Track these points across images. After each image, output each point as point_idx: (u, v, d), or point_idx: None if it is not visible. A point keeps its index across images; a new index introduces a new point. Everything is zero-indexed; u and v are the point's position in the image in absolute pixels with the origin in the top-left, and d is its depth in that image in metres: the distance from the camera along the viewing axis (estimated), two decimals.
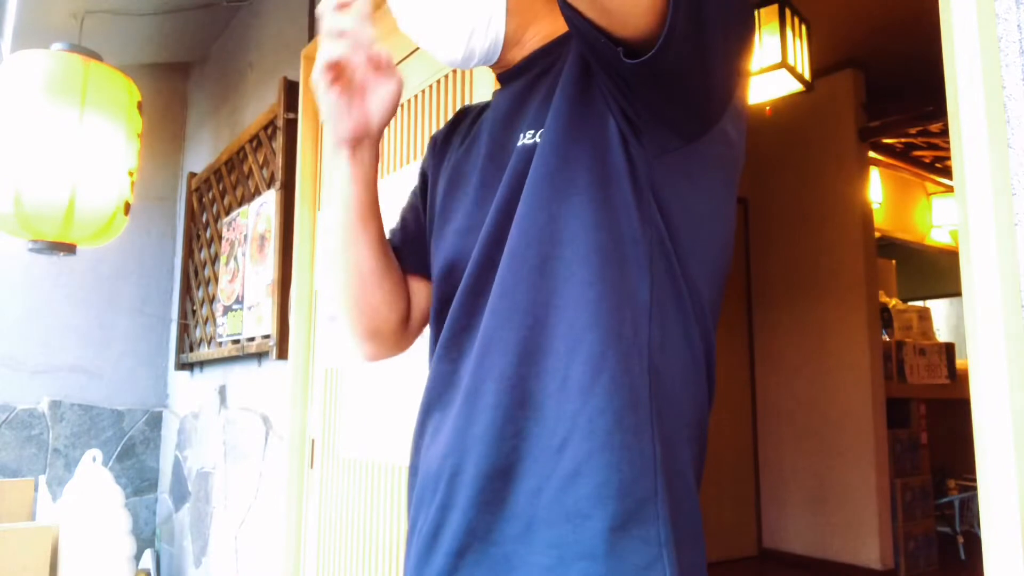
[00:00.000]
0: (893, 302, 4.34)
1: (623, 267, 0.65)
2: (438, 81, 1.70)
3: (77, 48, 2.26)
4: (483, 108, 0.92)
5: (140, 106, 2.40)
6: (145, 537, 3.34)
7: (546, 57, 0.80)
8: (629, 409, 0.62)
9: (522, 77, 0.81)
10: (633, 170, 0.66)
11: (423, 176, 0.96)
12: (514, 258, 0.68)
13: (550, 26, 0.81)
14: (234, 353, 2.61)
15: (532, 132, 0.72)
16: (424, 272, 0.89)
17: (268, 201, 2.44)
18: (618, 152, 0.66)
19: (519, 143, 0.73)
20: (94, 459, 2.87)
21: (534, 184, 0.69)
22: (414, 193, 0.97)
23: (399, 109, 1.85)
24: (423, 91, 1.76)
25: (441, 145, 0.93)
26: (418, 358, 1.01)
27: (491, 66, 0.85)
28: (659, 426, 0.63)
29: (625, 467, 0.61)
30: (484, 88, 1.50)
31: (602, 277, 0.65)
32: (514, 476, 0.65)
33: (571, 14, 0.59)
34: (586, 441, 0.62)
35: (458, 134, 0.92)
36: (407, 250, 0.91)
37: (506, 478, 0.65)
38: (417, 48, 1.78)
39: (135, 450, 3.37)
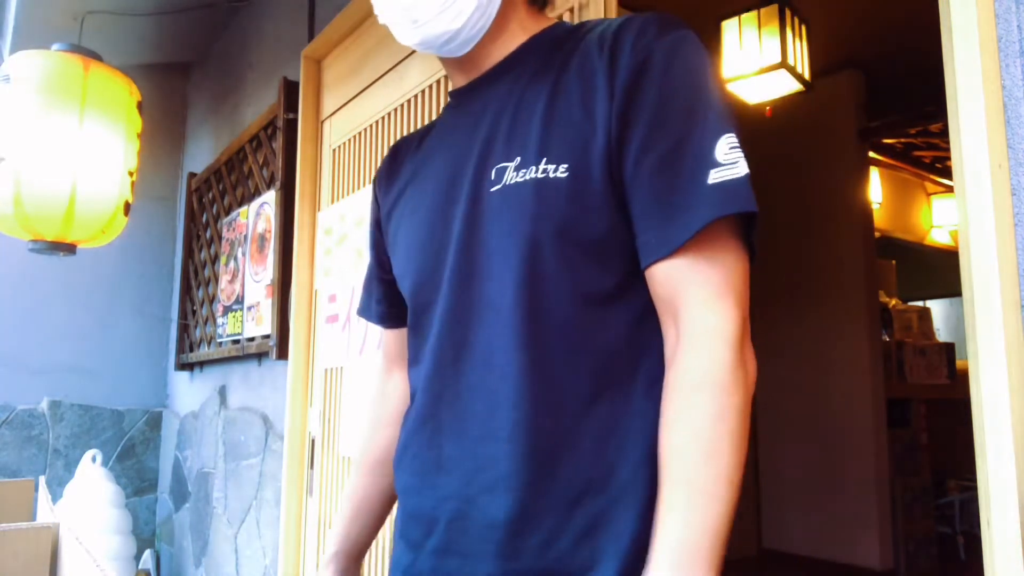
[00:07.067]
0: (893, 302, 4.34)
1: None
2: (437, 81, 1.70)
3: (77, 48, 2.26)
4: (424, 133, 0.90)
5: (140, 106, 2.40)
6: (145, 537, 3.34)
7: (510, 70, 0.77)
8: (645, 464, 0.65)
9: (484, 89, 0.79)
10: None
11: (375, 223, 0.94)
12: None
13: (518, 36, 0.79)
14: (234, 353, 2.61)
15: (519, 160, 0.70)
16: None
17: (268, 201, 2.44)
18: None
19: (500, 166, 0.71)
20: (94, 459, 2.87)
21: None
22: (374, 247, 0.95)
23: (396, 110, 1.85)
24: (422, 91, 1.75)
25: (385, 182, 0.91)
26: None
27: (453, 64, 0.81)
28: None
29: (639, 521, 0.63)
30: None
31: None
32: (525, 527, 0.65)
33: None
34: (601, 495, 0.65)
35: (402, 165, 0.90)
36: (394, 312, 0.94)
37: (517, 528, 0.65)
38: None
39: (135, 450, 3.37)
